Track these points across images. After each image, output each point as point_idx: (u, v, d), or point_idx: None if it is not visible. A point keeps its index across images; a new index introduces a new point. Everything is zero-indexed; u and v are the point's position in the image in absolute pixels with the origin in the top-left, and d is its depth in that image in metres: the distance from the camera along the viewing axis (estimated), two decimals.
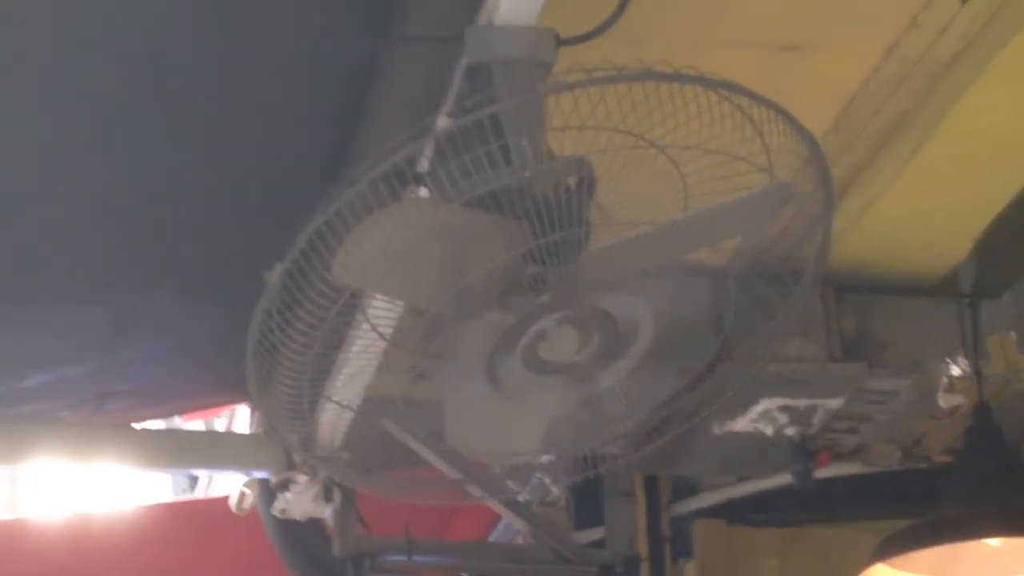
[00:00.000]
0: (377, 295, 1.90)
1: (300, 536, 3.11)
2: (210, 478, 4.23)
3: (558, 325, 1.79)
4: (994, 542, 2.63)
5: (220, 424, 4.31)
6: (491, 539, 3.52)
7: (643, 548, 3.27)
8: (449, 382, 1.90)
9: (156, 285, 2.39)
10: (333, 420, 2.65)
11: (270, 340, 1.83)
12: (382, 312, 1.92)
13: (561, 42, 1.87)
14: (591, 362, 1.87)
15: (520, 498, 3.32)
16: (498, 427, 1.94)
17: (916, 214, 2.59)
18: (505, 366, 1.82)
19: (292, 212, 1.81)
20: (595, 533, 3.35)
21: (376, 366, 2.37)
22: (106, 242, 2.31)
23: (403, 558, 3.11)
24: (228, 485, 3.98)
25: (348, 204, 1.70)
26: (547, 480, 3.36)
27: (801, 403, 2.70)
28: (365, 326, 1.95)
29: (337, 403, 2.37)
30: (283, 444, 2.83)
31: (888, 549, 2.57)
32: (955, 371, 2.69)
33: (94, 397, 2.75)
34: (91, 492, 4.47)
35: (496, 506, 3.26)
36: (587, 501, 3.38)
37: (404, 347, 1.94)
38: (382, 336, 1.93)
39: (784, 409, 2.73)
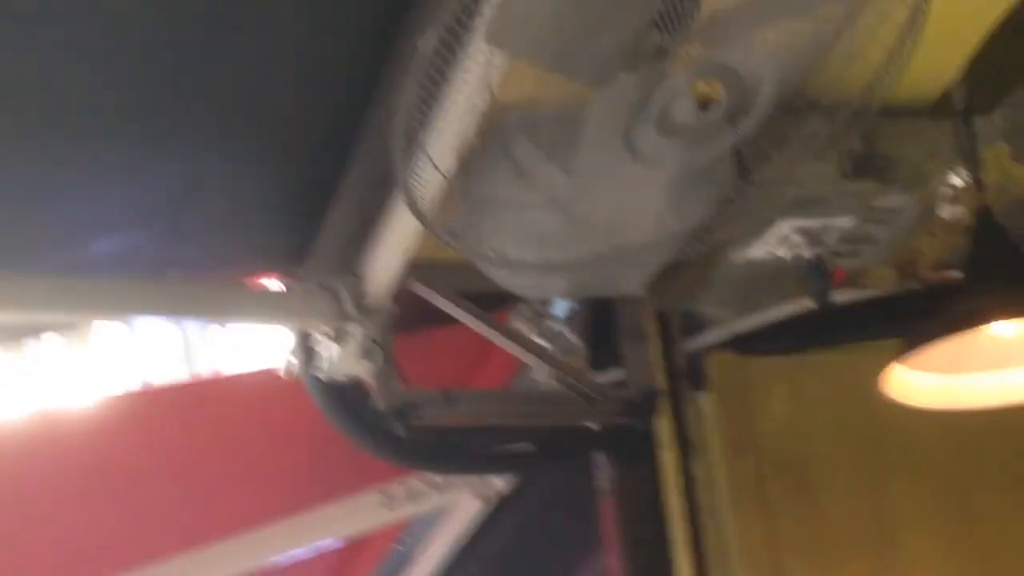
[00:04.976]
0: None
1: (344, 396, 3.27)
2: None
3: (687, 84, 1.95)
4: (1001, 334, 2.83)
5: None
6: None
7: (661, 383, 3.47)
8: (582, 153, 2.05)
9: (224, 145, 2.50)
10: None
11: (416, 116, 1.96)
12: None
13: None
14: (718, 122, 2.02)
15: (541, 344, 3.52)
16: (630, 190, 2.08)
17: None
18: (636, 131, 1.98)
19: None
20: (611, 376, 3.55)
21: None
22: (172, 101, 2.42)
23: (441, 408, 3.30)
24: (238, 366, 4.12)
25: None
26: (565, 330, 3.56)
27: (816, 223, 2.88)
28: None
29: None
30: (334, 297, 3.00)
31: (910, 345, 2.75)
32: (956, 182, 2.88)
33: (152, 264, 2.87)
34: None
35: (523, 355, 3.44)
36: (602, 346, 3.57)
37: None
38: None
39: (799, 230, 2.91)
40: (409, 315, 3.41)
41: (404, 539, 4.94)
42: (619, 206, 2.10)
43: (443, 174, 2.28)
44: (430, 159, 2.23)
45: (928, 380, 2.90)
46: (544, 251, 2.24)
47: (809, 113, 2.78)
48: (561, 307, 3.61)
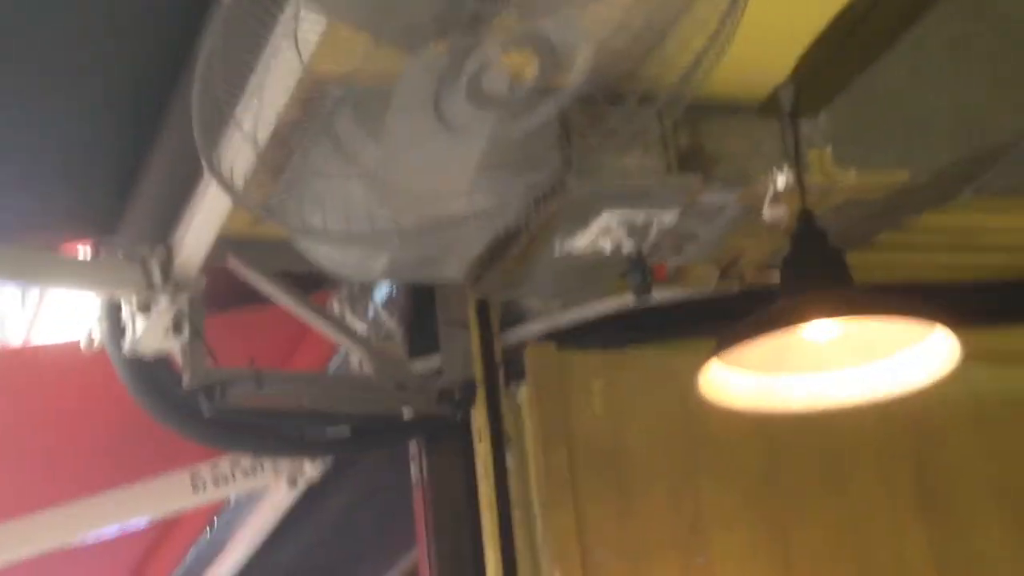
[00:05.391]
0: None
1: (150, 373, 3.18)
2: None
3: (500, 52, 1.90)
4: (817, 337, 2.83)
5: None
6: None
7: (477, 374, 3.42)
8: (391, 120, 1.99)
9: (24, 105, 2.40)
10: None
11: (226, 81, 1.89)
12: None
13: None
14: (531, 94, 1.97)
15: (359, 331, 3.45)
16: (439, 160, 2.03)
17: (742, 35, 2.76)
18: (446, 100, 1.93)
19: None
20: (429, 363, 3.50)
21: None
22: None
23: (251, 388, 3.21)
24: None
25: None
26: (384, 314, 3.50)
27: (639, 216, 2.85)
28: None
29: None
30: (142, 266, 2.91)
31: (723, 344, 2.74)
32: (780, 183, 2.87)
33: None
34: None
35: (338, 338, 3.37)
36: (420, 333, 3.52)
37: None
38: None
39: (623, 223, 2.88)
40: (225, 293, 3.33)
41: (217, 523, 4.86)
42: (429, 177, 2.04)
43: (256, 145, 2.21)
44: (241, 129, 2.15)
45: (744, 381, 2.89)
46: (357, 224, 2.18)
47: (637, 103, 2.77)
48: (382, 292, 3.55)
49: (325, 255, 2.79)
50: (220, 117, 2.08)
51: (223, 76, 2.01)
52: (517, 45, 1.93)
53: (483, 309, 3.45)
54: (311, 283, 3.40)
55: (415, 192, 2.03)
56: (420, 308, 3.51)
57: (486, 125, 1.98)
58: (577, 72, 1.97)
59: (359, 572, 4.57)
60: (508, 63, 1.95)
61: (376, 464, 3.86)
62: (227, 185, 2.19)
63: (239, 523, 4.61)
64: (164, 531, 4.85)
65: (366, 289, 3.48)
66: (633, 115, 2.77)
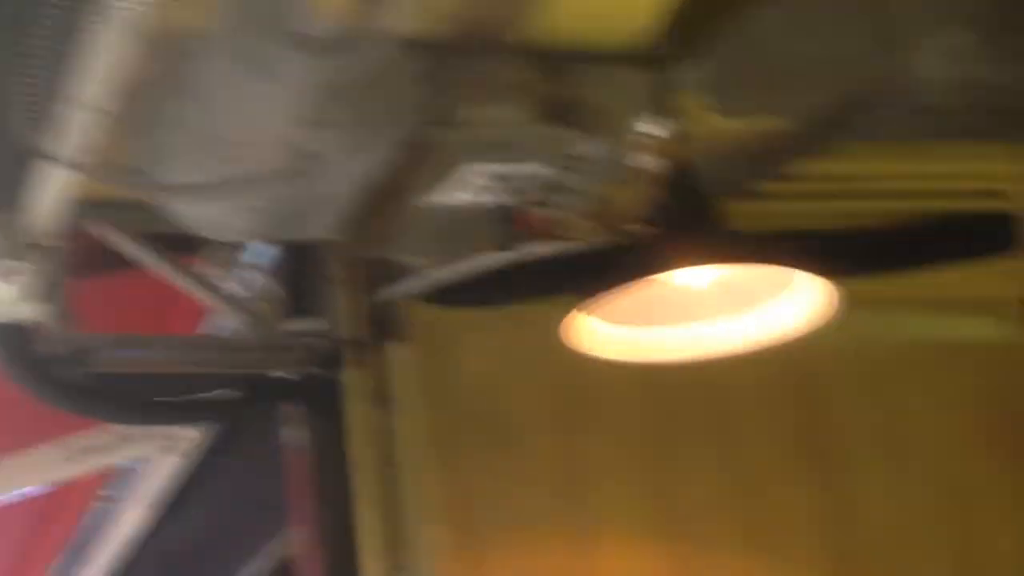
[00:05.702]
0: None
1: (11, 339, 3.09)
2: None
3: None
4: (690, 285, 2.79)
5: None
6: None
7: (355, 333, 3.35)
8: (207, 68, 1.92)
9: None
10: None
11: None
12: None
13: None
14: (344, 34, 1.90)
15: (233, 292, 3.38)
16: (243, 108, 1.96)
17: None
18: (258, 43, 1.85)
19: None
20: (307, 325, 3.43)
21: None
22: None
23: (118, 353, 3.14)
24: None
25: None
26: (256, 275, 3.43)
27: (508, 168, 2.80)
28: None
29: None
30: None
31: (588, 295, 2.69)
32: (652, 131, 2.83)
33: None
34: None
35: (208, 298, 3.30)
36: (296, 292, 3.45)
37: None
38: None
39: (492, 175, 2.82)
40: (92, 258, 3.24)
41: (107, 494, 4.77)
42: (247, 123, 1.97)
43: (91, 105, 2.12)
44: (74, 86, 2.06)
45: (616, 332, 2.86)
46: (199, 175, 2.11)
47: (502, 53, 2.71)
48: (257, 253, 3.48)
49: (185, 214, 2.71)
50: (47, 92, 1.99)
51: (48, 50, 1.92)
52: None
53: (360, 267, 3.39)
54: (184, 246, 3.32)
55: (237, 142, 1.96)
56: (297, 267, 3.44)
57: (299, 68, 1.91)
58: (403, 13, 1.90)
59: (255, 546, 4.50)
60: (322, 2, 1.88)
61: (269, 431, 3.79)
62: (67, 163, 2.11)
63: (127, 494, 4.53)
64: (54, 501, 4.76)
65: (239, 250, 3.40)
66: (498, 65, 2.73)
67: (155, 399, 3.31)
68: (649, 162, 2.87)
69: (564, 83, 2.83)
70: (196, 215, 2.69)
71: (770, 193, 3.42)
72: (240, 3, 1.84)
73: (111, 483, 4.66)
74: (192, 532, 4.46)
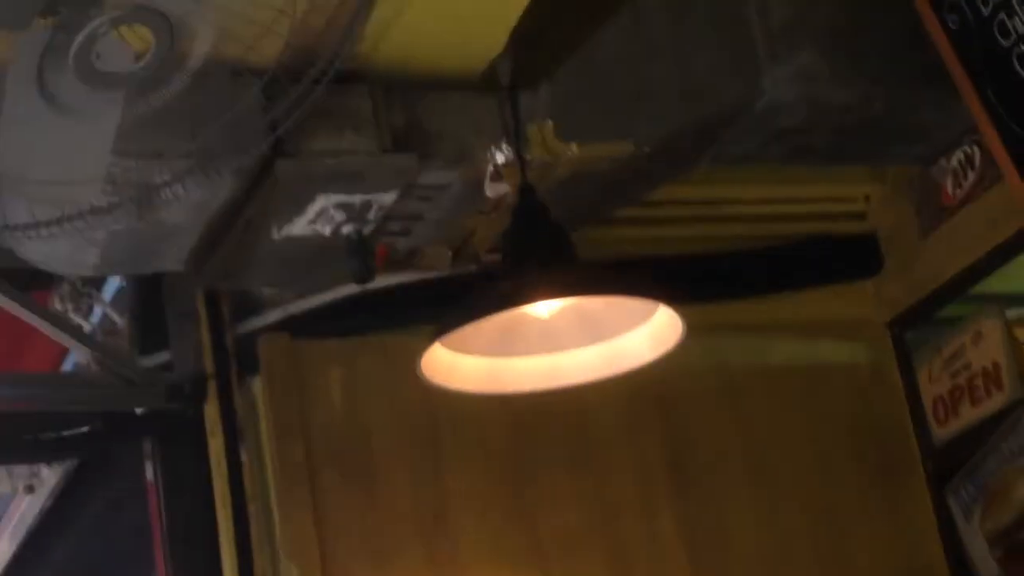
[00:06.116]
0: None
1: None
2: None
3: (110, 28, 1.78)
4: (543, 315, 2.76)
5: None
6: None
7: (209, 367, 3.30)
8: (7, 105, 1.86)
9: None
10: None
11: None
12: None
13: None
14: (151, 72, 1.86)
15: (85, 328, 3.32)
16: (58, 148, 1.91)
17: (452, 10, 2.68)
18: (59, 80, 1.80)
19: None
20: (160, 358, 3.37)
21: None
22: None
23: None
24: None
25: None
26: (110, 310, 3.37)
27: (356, 198, 2.76)
28: None
29: None
30: None
31: (440, 328, 2.66)
32: (500, 159, 2.80)
33: None
34: None
35: (59, 336, 3.22)
36: (150, 327, 3.38)
37: None
38: None
39: (340, 206, 2.78)
40: None
41: None
42: (55, 161, 1.92)
43: None
44: None
45: (471, 363, 2.81)
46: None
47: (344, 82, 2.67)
48: (109, 287, 3.42)
49: (33, 250, 2.65)
50: None
51: None
52: (129, 21, 1.80)
53: (213, 300, 3.33)
54: (34, 281, 3.25)
55: (45, 180, 1.90)
56: (149, 301, 3.38)
57: (104, 105, 1.86)
58: (199, 48, 1.86)
59: None
60: (122, 40, 1.83)
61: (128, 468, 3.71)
62: None
63: None
64: None
65: (88, 284, 3.33)
66: (342, 94, 2.69)
67: (15, 436, 3.25)
68: (500, 190, 2.85)
69: (411, 111, 2.80)
70: (44, 252, 2.63)
71: (627, 219, 3.41)
72: (34, 39, 1.79)
73: None
74: (55, 568, 4.36)
